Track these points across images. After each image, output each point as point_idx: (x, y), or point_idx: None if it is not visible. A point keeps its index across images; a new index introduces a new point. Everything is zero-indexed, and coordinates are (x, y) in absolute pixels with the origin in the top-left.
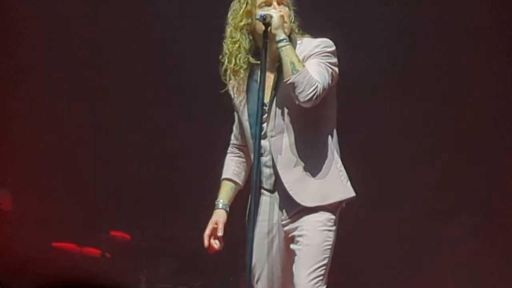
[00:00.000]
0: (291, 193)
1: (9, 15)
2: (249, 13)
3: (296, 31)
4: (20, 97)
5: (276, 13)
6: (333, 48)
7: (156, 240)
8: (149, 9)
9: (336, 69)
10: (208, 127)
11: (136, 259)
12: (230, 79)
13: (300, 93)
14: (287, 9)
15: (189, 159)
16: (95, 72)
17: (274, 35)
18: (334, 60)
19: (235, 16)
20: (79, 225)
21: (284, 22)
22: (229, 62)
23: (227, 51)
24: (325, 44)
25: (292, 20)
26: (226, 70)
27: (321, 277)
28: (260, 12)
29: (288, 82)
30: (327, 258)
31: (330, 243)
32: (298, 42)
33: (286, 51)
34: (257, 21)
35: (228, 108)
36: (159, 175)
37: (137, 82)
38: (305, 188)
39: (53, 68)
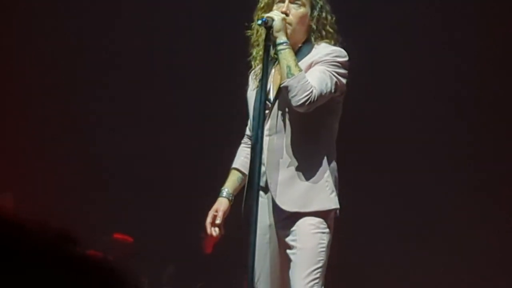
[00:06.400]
0: (272, 194)
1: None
2: (268, 5)
3: (317, 31)
4: (22, 100)
5: (278, 15)
6: (345, 59)
7: (159, 243)
8: (155, 5)
9: (344, 80)
10: (212, 130)
11: (139, 261)
12: (253, 67)
13: (293, 97)
14: (302, 9)
15: (193, 162)
16: (98, 74)
17: (276, 38)
18: (343, 71)
19: (258, 7)
20: (82, 227)
21: (287, 23)
22: (252, 51)
23: (252, 41)
24: (337, 53)
25: (314, 20)
26: (250, 60)
27: (316, 280)
28: (275, 6)
29: (282, 85)
30: (322, 261)
31: (324, 245)
32: (316, 46)
33: (284, 55)
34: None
35: (233, 112)
36: (162, 177)
37: (138, 83)
38: (287, 191)
39: (57, 70)
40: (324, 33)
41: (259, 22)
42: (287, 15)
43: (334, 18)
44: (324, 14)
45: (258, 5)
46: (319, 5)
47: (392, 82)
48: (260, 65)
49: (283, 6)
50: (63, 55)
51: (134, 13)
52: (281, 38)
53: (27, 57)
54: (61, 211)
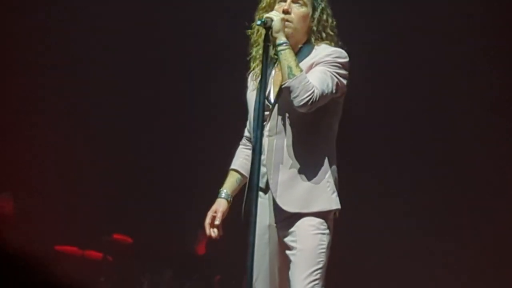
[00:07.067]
0: (274, 194)
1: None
2: (269, 5)
3: (317, 32)
4: (22, 101)
5: (277, 15)
6: (345, 60)
7: (158, 243)
8: (159, 8)
9: (344, 81)
10: (211, 132)
11: (138, 262)
12: (252, 69)
13: (295, 97)
14: (304, 8)
15: (192, 163)
16: (98, 76)
17: (275, 38)
18: (343, 71)
19: (260, 7)
20: (81, 228)
21: (287, 21)
22: (252, 51)
23: (252, 41)
24: (337, 54)
25: (315, 21)
26: (250, 59)
27: (317, 281)
28: (277, 5)
29: (283, 86)
30: (322, 262)
31: (324, 246)
32: (316, 47)
33: (284, 55)
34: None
35: (232, 113)
36: (162, 178)
37: (138, 85)
38: (289, 192)
39: (57, 71)
40: (324, 35)
41: (258, 22)
42: (288, 13)
43: (335, 22)
44: (325, 17)
45: (260, 5)
46: (320, 7)
47: (391, 82)
48: (261, 66)
49: (285, 5)
50: (64, 56)
51: (136, 14)
52: (281, 38)
53: (27, 58)
54: (61, 212)
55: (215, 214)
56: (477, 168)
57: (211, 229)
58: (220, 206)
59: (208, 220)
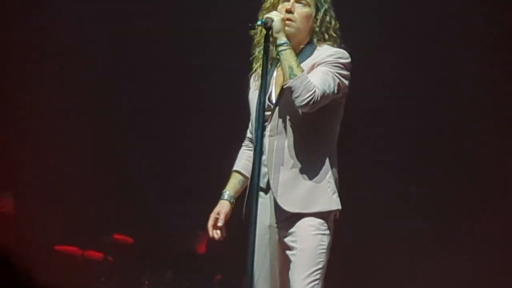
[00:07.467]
0: (275, 195)
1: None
2: (273, 5)
3: (320, 33)
4: (23, 101)
5: (277, 16)
6: (347, 60)
7: (158, 244)
8: (159, 7)
9: (346, 81)
10: (212, 134)
11: (139, 262)
12: (255, 70)
13: (296, 97)
14: (307, 8)
15: (192, 163)
16: (99, 76)
17: (276, 39)
18: (345, 72)
19: (263, 7)
20: (82, 228)
21: (290, 20)
22: (254, 51)
23: (255, 42)
24: (339, 55)
25: (318, 22)
26: (253, 60)
27: (317, 281)
28: (280, 5)
29: (285, 86)
30: (322, 262)
31: (324, 246)
32: (318, 48)
33: (285, 55)
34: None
35: (234, 115)
36: (162, 178)
37: (138, 86)
38: (290, 192)
39: (57, 72)
40: (327, 36)
41: (259, 22)
42: (291, 13)
43: (338, 24)
44: (328, 18)
45: (263, 5)
46: (323, 8)
47: (391, 83)
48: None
49: (288, 4)
50: (64, 56)
51: (137, 14)
52: (281, 38)
53: (27, 58)
54: (61, 212)
55: (218, 216)
56: (478, 168)
57: (214, 231)
58: (223, 207)
59: (211, 222)
